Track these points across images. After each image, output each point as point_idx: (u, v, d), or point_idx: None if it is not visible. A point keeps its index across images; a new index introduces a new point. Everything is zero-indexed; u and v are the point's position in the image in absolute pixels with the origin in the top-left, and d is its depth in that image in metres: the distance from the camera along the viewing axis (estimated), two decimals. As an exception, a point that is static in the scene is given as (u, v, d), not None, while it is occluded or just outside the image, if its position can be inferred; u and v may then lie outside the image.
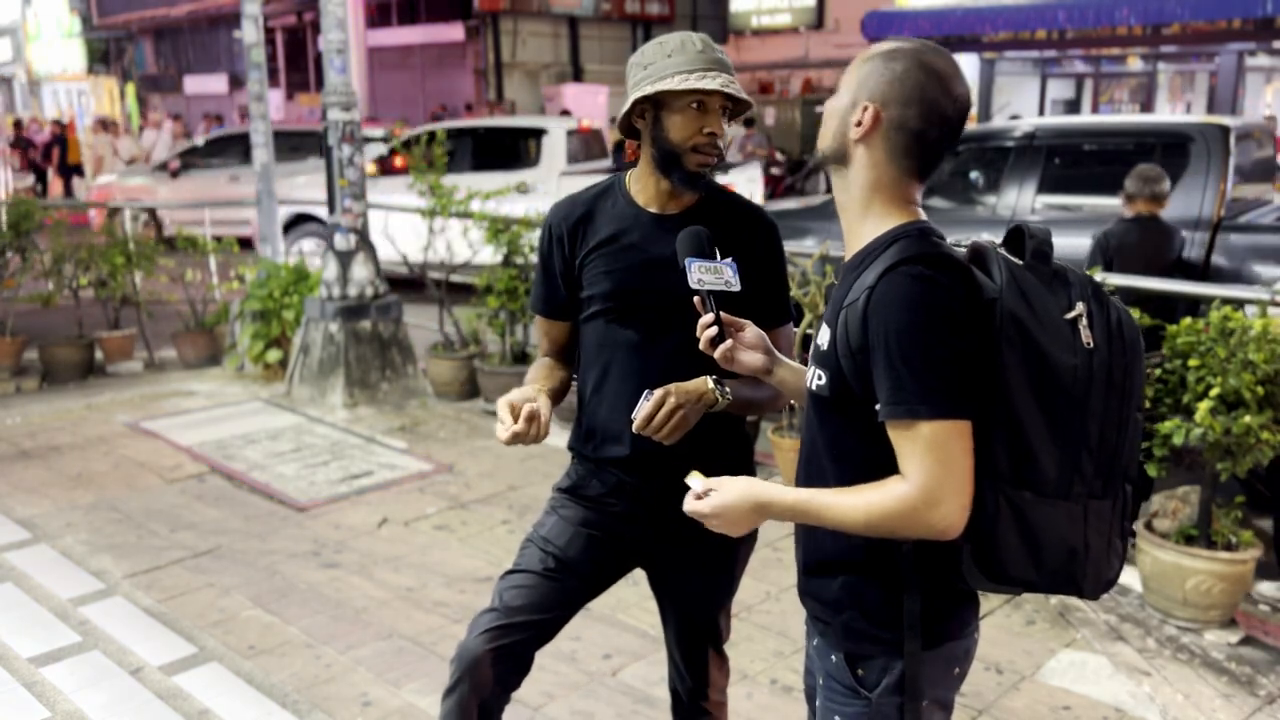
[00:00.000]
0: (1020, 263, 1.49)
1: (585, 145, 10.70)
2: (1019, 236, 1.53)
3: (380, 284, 6.46)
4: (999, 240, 1.57)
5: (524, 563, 2.17)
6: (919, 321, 1.42)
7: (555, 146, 10.19)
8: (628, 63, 2.09)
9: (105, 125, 19.62)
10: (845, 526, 1.49)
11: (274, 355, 6.79)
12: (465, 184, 9.83)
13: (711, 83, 1.96)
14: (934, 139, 1.53)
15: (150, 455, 5.39)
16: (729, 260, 1.88)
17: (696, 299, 1.82)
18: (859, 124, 1.54)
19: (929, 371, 1.41)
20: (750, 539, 2.26)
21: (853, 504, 1.47)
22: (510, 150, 10.33)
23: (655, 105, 2.01)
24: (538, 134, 10.41)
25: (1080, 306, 1.47)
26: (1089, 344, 1.46)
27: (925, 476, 1.41)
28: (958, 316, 1.43)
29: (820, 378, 1.56)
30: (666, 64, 1.98)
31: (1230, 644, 3.48)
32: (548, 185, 9.57)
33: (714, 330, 1.79)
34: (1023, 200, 6.68)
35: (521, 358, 6.11)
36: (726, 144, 2.07)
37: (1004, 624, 3.60)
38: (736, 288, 1.86)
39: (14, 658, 3.39)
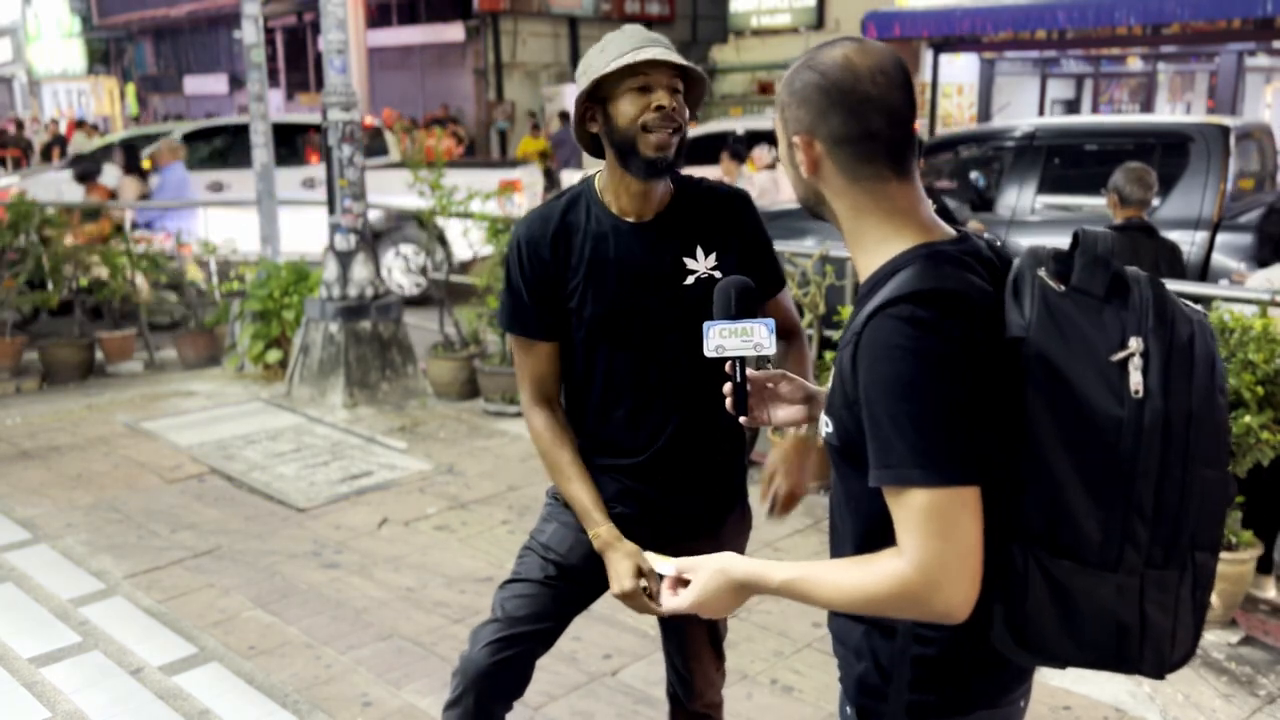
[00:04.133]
0: (1061, 289, 1.26)
1: (370, 140, 10.81)
2: (1072, 248, 1.30)
3: (380, 284, 6.46)
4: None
5: (524, 571, 2.15)
6: (906, 373, 1.22)
7: None
8: (576, 76, 2.04)
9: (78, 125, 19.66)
10: (838, 608, 1.33)
11: (274, 355, 6.79)
12: (249, 180, 9.89)
13: (644, 55, 1.89)
14: (879, 130, 1.33)
15: (150, 455, 5.39)
16: (765, 320, 1.71)
17: (726, 364, 1.72)
18: (802, 162, 1.38)
19: (920, 431, 1.22)
20: (745, 533, 2.27)
21: (844, 583, 1.30)
22: (297, 146, 10.28)
23: (602, 103, 1.95)
24: (270, 130, 10.37)
25: (1134, 343, 1.22)
26: (1138, 392, 1.21)
27: (922, 553, 1.23)
28: (956, 363, 1.23)
29: (828, 425, 1.39)
30: (601, 59, 1.94)
31: (1230, 644, 3.48)
32: None
33: (729, 402, 1.70)
34: (1023, 200, 6.68)
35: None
36: (687, 121, 1.97)
37: (1004, 624, 3.60)
38: (768, 350, 1.70)
39: (14, 658, 3.39)
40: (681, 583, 1.51)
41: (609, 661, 3.36)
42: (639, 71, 1.91)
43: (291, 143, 10.29)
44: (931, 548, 1.22)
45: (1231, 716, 3.08)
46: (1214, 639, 3.50)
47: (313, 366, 6.35)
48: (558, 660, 3.29)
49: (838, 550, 1.46)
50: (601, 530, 2.03)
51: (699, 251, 2.03)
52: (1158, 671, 1.32)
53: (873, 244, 1.37)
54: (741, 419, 1.71)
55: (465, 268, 9.59)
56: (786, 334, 2.16)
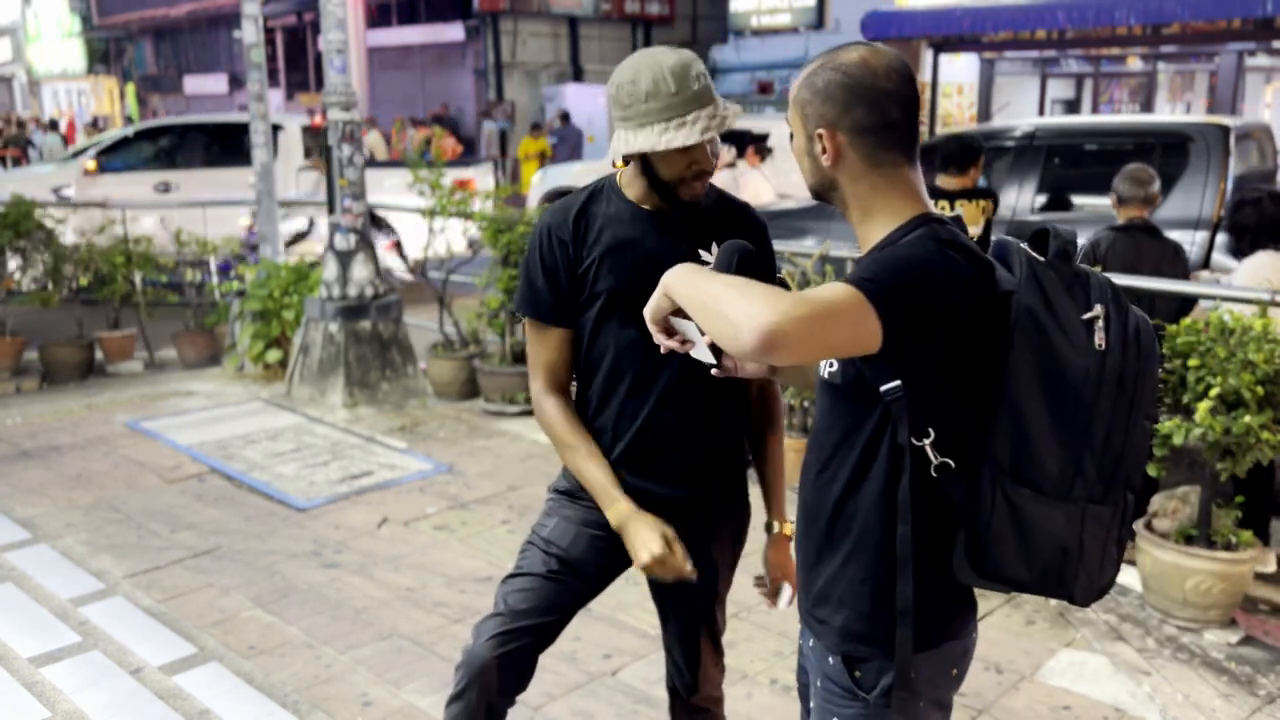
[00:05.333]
0: (1042, 260, 1.48)
1: (319, 141, 10.75)
2: (1044, 237, 1.51)
3: (380, 284, 6.46)
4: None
5: (526, 565, 2.17)
6: (912, 259, 1.42)
7: (291, 142, 10.20)
8: (607, 91, 2.06)
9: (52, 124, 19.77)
10: (698, 296, 1.45)
11: (274, 355, 6.79)
12: (196, 180, 9.79)
13: (694, 132, 1.92)
14: (897, 120, 1.51)
15: (150, 455, 5.39)
16: None
17: None
18: (824, 152, 1.53)
19: (886, 269, 1.41)
20: (744, 527, 2.27)
21: (731, 285, 1.42)
22: (244, 146, 10.12)
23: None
24: (273, 130, 10.37)
25: (1099, 308, 1.46)
26: (1101, 346, 1.45)
27: (812, 301, 1.35)
28: (948, 280, 1.41)
29: (833, 364, 1.56)
30: (644, 110, 1.94)
31: (1230, 644, 3.48)
32: (285, 180, 9.50)
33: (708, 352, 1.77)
34: (1022, 200, 6.69)
35: (521, 357, 6.11)
36: (718, 156, 2.04)
37: (1004, 624, 3.60)
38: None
39: (14, 658, 3.39)
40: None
41: (609, 661, 3.37)
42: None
43: (238, 143, 10.28)
44: (818, 307, 1.34)
45: (1231, 716, 3.08)
46: (1214, 639, 3.50)
47: (313, 366, 6.35)
48: (558, 660, 3.29)
49: (824, 490, 1.59)
50: (621, 505, 2.04)
51: (714, 248, 2.06)
52: (1086, 597, 1.53)
53: (883, 219, 1.54)
54: (714, 371, 1.79)
55: (414, 268, 9.58)
56: (761, 394, 2.22)
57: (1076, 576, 1.49)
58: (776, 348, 1.33)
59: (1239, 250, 4.58)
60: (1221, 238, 5.77)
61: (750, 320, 1.33)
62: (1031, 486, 1.45)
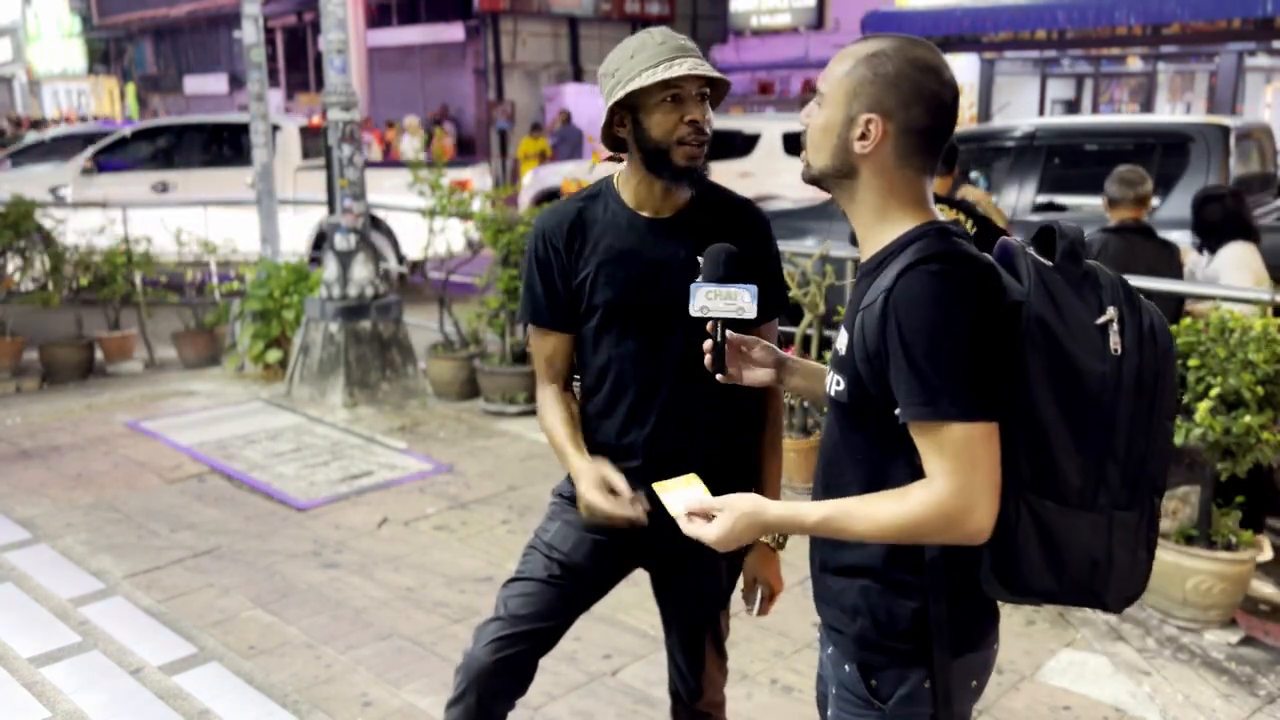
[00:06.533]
0: (1049, 264, 1.43)
1: (318, 142, 10.75)
2: (1049, 236, 1.47)
3: (380, 284, 6.46)
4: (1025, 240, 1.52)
5: (528, 570, 2.16)
6: (942, 319, 1.37)
7: (288, 142, 10.19)
8: (598, 75, 2.06)
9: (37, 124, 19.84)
10: (872, 537, 1.45)
11: (274, 355, 6.79)
12: (194, 180, 9.84)
13: (679, 68, 1.91)
14: (940, 130, 1.49)
15: (150, 455, 5.39)
16: (749, 285, 1.79)
17: (708, 323, 1.80)
18: (863, 137, 1.48)
19: (955, 372, 1.37)
20: (755, 541, 2.27)
21: (880, 514, 1.43)
22: (242, 146, 10.01)
23: (632, 110, 1.97)
24: (270, 130, 10.41)
25: (1111, 311, 1.42)
26: (1117, 350, 1.41)
27: (958, 480, 1.37)
28: (981, 315, 1.38)
29: (839, 383, 1.51)
30: (631, 65, 1.95)
31: (1230, 644, 3.48)
32: (283, 180, 9.54)
33: (708, 359, 1.78)
34: (1023, 200, 6.69)
35: (521, 358, 6.11)
36: (711, 125, 2.01)
37: (1004, 624, 3.58)
38: (750, 315, 1.78)
39: (14, 658, 3.39)
40: (704, 514, 1.60)
41: (609, 661, 3.37)
42: (672, 83, 1.93)
43: (236, 143, 10.28)
44: (965, 475, 1.37)
45: (1231, 716, 3.08)
46: (1214, 639, 3.50)
47: (313, 366, 6.35)
48: (558, 660, 3.29)
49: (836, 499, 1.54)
50: (574, 460, 2.04)
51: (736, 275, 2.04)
52: (1119, 605, 1.50)
53: (890, 222, 1.51)
54: (718, 376, 1.81)
55: (415, 268, 9.57)
56: (764, 403, 2.19)
57: (1108, 585, 1.46)
58: (991, 520, 1.39)
59: (1203, 245, 4.69)
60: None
61: (960, 530, 1.39)
62: (1055, 498, 1.41)
